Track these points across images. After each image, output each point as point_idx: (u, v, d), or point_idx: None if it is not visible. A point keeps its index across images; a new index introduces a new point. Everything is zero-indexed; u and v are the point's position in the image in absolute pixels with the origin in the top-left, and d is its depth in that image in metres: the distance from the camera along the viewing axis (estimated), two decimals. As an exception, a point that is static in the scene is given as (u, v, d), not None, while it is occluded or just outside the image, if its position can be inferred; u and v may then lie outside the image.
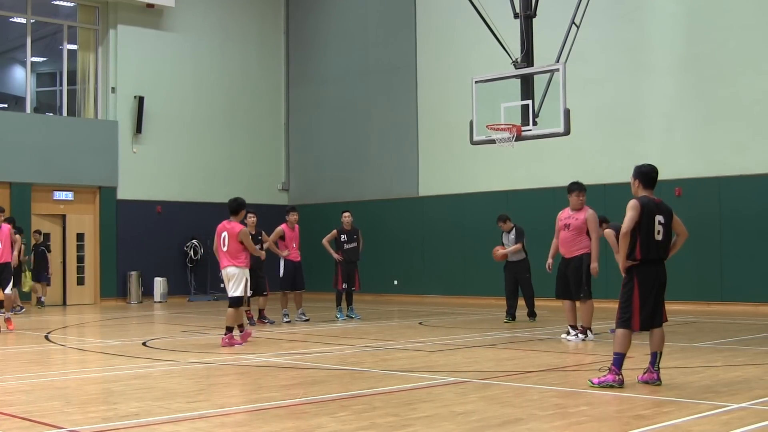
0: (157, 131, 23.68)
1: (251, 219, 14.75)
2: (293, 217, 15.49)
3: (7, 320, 14.41)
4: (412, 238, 23.02)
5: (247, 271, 11.80)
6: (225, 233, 11.85)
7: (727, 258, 17.64)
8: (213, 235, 22.61)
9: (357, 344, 11.77)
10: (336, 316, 15.89)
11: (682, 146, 18.27)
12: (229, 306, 11.68)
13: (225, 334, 11.59)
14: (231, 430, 6.14)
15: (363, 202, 23.76)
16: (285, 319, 15.24)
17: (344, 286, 15.90)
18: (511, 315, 15.05)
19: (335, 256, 15.91)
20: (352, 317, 15.98)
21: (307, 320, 15.47)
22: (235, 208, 12.00)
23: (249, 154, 25.54)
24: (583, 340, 11.66)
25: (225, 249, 11.78)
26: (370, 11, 24.47)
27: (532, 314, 15.09)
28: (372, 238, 22.81)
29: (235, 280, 11.67)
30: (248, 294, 12.13)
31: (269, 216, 19.92)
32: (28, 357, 11.15)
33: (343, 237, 15.98)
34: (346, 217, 16.09)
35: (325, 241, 15.98)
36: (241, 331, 12.01)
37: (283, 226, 15.25)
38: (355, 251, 16.04)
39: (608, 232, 11.87)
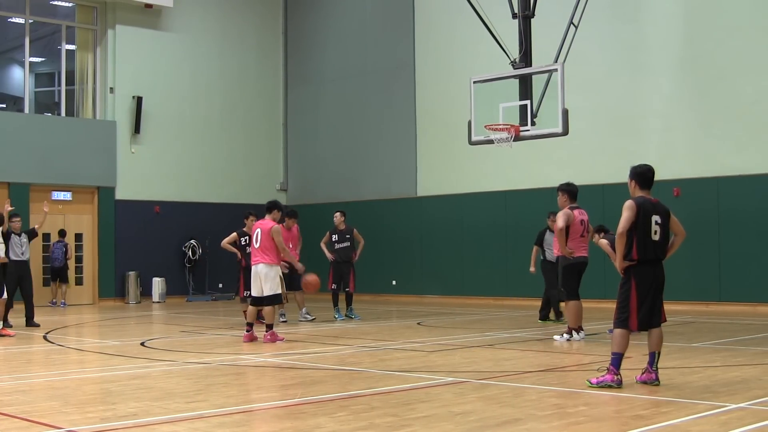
0: (155, 131, 23.66)
1: (252, 221, 14.78)
2: (289, 222, 15.39)
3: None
4: (410, 239, 23.01)
5: (278, 268, 12.19)
6: (259, 230, 12.25)
7: (726, 258, 17.65)
8: (211, 235, 22.91)
9: (355, 344, 11.77)
10: (334, 317, 15.89)
11: (681, 146, 18.28)
12: (267, 304, 12.13)
13: (266, 332, 12.03)
14: (229, 430, 6.14)
15: (361, 202, 23.75)
16: (282, 319, 15.24)
17: (334, 286, 15.96)
18: (547, 316, 14.71)
19: (328, 255, 16.03)
20: (352, 317, 15.97)
21: (313, 319, 15.53)
22: (270, 206, 12.56)
23: (247, 155, 25.54)
24: (567, 340, 11.67)
25: (257, 245, 12.16)
26: (369, 12, 24.46)
27: (561, 314, 14.76)
28: (370, 239, 22.77)
29: (267, 279, 12.01)
30: (284, 291, 12.44)
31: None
32: (27, 357, 11.15)
33: (335, 237, 16.07)
34: (337, 217, 16.16)
35: (321, 243, 16.15)
36: (248, 331, 12.11)
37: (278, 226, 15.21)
38: (346, 251, 16.03)
39: (603, 242, 11.91)
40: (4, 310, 13.68)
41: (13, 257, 14.94)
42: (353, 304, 16.40)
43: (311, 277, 13.31)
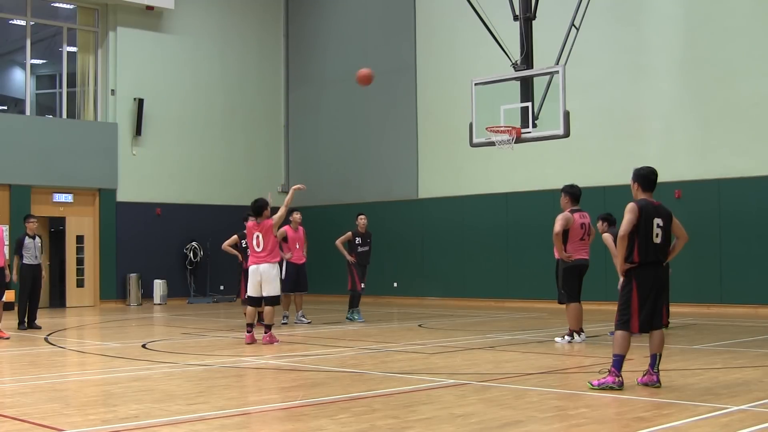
0: (156, 133, 23.68)
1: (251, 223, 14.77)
2: (296, 217, 15.50)
3: None
4: (411, 241, 23.01)
5: (278, 266, 12.24)
6: (257, 233, 12.17)
7: (727, 260, 17.64)
8: (212, 237, 22.90)
9: (357, 346, 11.77)
10: (354, 318, 15.77)
11: (682, 148, 18.28)
12: (266, 304, 12.13)
13: (265, 332, 12.02)
14: (230, 432, 6.15)
15: (362, 204, 23.68)
16: (283, 321, 15.22)
17: (363, 286, 15.80)
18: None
19: (348, 257, 15.75)
20: (355, 319, 15.90)
21: (309, 323, 15.48)
22: (257, 210, 12.40)
23: (248, 156, 25.54)
24: (569, 342, 11.67)
25: (260, 249, 12.08)
26: (370, 13, 24.47)
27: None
28: (371, 241, 22.82)
29: (269, 280, 12.03)
30: (282, 292, 12.54)
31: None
32: (28, 359, 11.15)
33: (358, 240, 15.85)
34: (362, 220, 15.97)
35: (338, 242, 15.84)
36: (248, 332, 12.10)
37: (285, 228, 15.23)
38: (368, 254, 15.96)
39: (606, 236, 11.87)
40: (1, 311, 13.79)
41: (30, 260, 15.09)
42: (359, 306, 16.26)
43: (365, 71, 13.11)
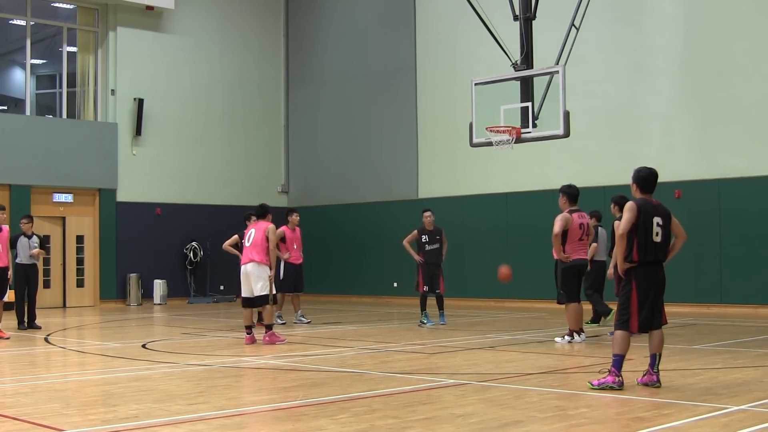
0: (156, 133, 23.68)
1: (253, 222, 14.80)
2: (294, 218, 15.49)
3: None
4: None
5: (267, 268, 12.07)
6: (253, 229, 12.21)
7: (727, 260, 17.64)
8: (212, 238, 22.91)
9: (357, 346, 11.77)
10: (422, 322, 15.05)
11: (682, 148, 18.28)
12: (257, 305, 12.14)
13: (265, 333, 12.03)
14: (230, 432, 6.15)
15: (362, 204, 23.75)
16: (280, 321, 15.20)
17: (425, 288, 15.15)
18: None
19: (416, 257, 15.26)
20: (444, 324, 15.09)
21: (308, 322, 15.48)
22: (263, 211, 12.50)
23: (248, 156, 25.55)
24: (569, 342, 11.66)
25: (249, 243, 12.07)
26: (370, 13, 24.47)
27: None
28: (371, 240, 22.87)
29: (258, 279, 11.97)
30: (274, 291, 12.54)
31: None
32: (28, 359, 11.15)
33: (425, 238, 15.25)
34: (428, 217, 15.36)
35: (405, 242, 15.39)
36: (248, 334, 12.07)
37: (283, 228, 15.20)
38: (437, 252, 15.21)
39: (618, 224, 11.75)
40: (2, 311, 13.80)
41: (23, 260, 15.08)
42: (441, 309, 15.42)
43: (505, 270, 12.69)
